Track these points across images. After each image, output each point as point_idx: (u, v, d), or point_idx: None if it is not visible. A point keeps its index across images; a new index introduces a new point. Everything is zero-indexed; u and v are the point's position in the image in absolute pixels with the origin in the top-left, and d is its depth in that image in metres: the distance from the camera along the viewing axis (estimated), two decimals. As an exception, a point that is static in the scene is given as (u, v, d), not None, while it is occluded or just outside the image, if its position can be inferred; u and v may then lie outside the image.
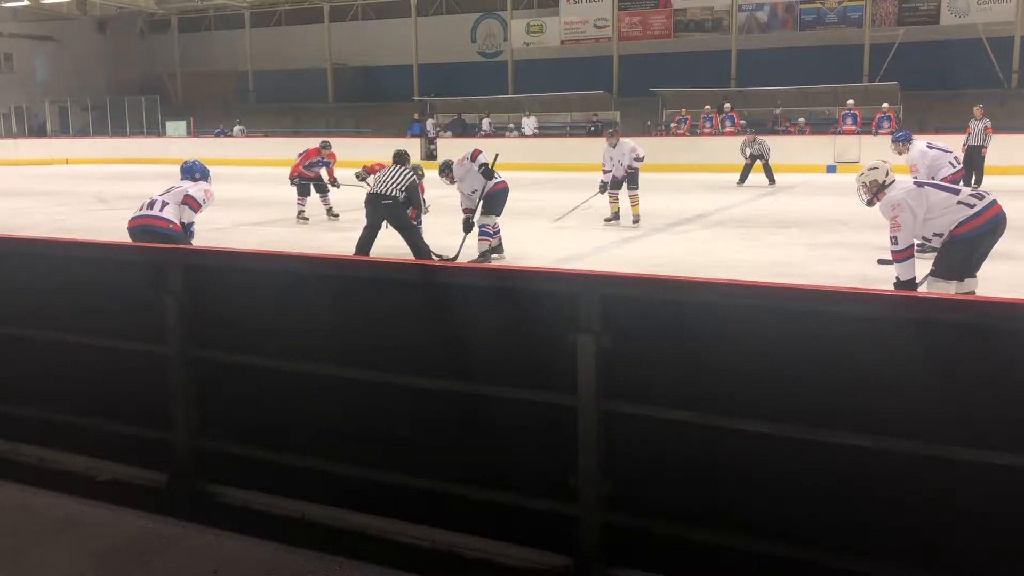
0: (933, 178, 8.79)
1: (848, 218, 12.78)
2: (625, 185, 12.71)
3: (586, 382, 2.81)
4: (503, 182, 9.77)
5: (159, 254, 3.84)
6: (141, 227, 6.94)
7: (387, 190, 9.09)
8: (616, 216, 12.75)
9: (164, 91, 38.64)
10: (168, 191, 7.15)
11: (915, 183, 6.02)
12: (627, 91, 30.24)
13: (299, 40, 36.98)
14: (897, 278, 5.79)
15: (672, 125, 26.17)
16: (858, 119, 22.96)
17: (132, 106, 36.09)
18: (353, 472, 3.21)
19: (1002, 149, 18.12)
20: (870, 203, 6.14)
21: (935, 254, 5.93)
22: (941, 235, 5.76)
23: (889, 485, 2.53)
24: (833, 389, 2.56)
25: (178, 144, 29.99)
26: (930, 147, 9.79)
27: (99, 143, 32.00)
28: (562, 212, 12.71)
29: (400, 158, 9.69)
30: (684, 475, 2.80)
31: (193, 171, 7.40)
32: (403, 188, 9.13)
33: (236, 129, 31.62)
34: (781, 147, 19.76)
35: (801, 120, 24.43)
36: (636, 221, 12.53)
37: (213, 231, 11.53)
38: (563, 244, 10.93)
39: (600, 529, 2.86)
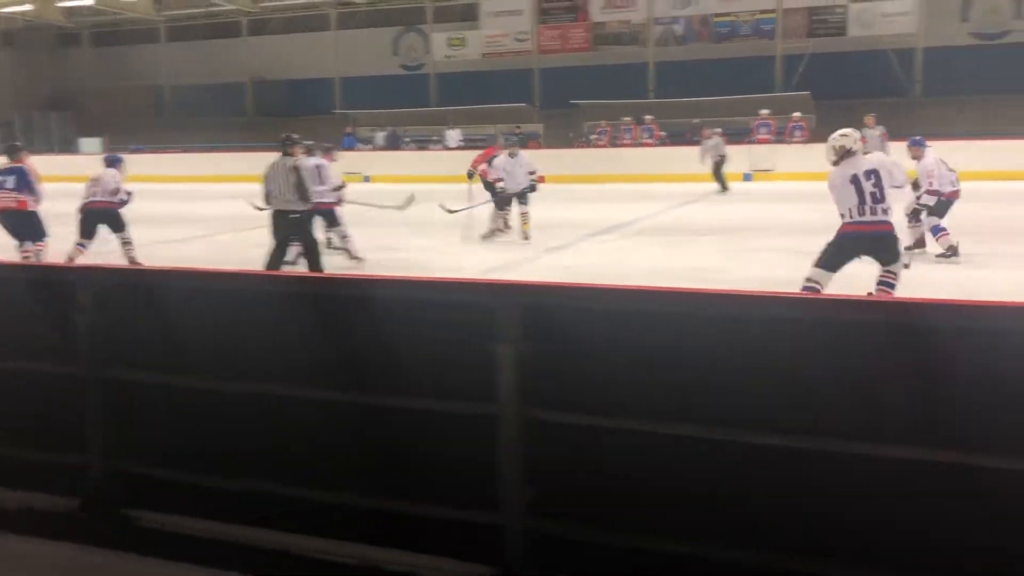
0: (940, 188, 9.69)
1: (765, 224, 13.13)
2: (516, 201, 12.19)
3: (507, 391, 2.83)
4: (322, 202, 9.70)
5: (68, 273, 3.73)
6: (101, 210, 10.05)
7: (283, 204, 8.30)
8: (495, 233, 12.26)
9: (77, 107, 37.49)
10: (99, 178, 10.18)
11: (851, 178, 6.52)
12: (549, 104, 30.49)
13: (217, 54, 36.32)
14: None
15: (593, 137, 26.49)
16: (772, 128, 23.56)
17: (43, 123, 34.88)
18: (272, 490, 3.17)
19: (907, 156, 18.76)
20: (835, 164, 6.73)
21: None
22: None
23: (802, 482, 2.60)
24: (748, 390, 2.62)
25: (93, 161, 29.11)
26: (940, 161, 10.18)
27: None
28: (460, 216, 12.34)
29: (285, 146, 8.57)
30: (606, 480, 2.83)
31: (115, 160, 10.65)
32: (298, 190, 8.26)
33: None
34: (698, 157, 20.22)
35: (718, 130, 24.92)
36: (527, 238, 11.98)
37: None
38: (486, 256, 10.97)
39: (524, 537, 2.88)
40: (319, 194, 9.47)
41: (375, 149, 27.88)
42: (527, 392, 2.82)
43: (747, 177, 21.98)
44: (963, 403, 2.42)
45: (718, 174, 19.47)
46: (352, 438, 3.12)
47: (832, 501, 2.58)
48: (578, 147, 26.71)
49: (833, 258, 6.55)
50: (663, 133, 25.03)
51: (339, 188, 10.53)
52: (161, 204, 18.18)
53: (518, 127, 28.07)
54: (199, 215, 16.78)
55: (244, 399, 3.19)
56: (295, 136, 8.69)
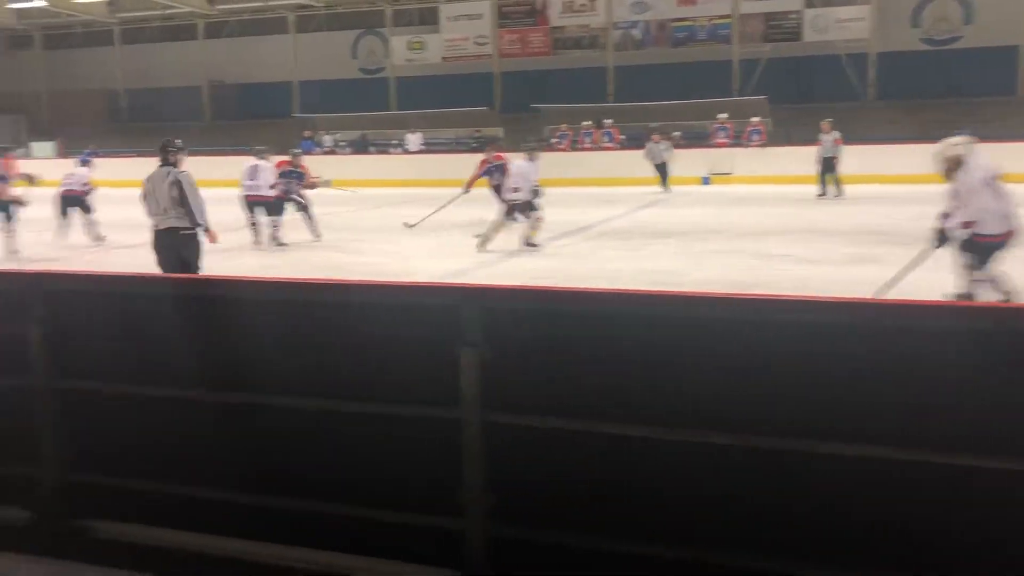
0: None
1: (722, 228, 13.27)
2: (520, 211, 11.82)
3: (470, 394, 2.82)
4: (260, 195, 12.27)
5: (21, 281, 3.64)
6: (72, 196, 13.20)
7: (170, 221, 7.26)
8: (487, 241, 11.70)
9: (29, 110, 36.75)
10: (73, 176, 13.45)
11: (984, 180, 6.51)
12: (509, 107, 30.54)
13: (173, 57, 35.88)
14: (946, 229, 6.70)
15: (554, 140, 26.57)
16: (730, 132, 23.81)
17: (-7, 125, 34.15)
18: (229, 497, 3.12)
19: (861, 159, 19.04)
20: (947, 176, 6.63)
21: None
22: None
23: (769, 483, 2.61)
24: (709, 392, 2.63)
25: (45, 165, 28.52)
26: None
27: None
28: (480, 228, 12.11)
29: (165, 153, 7.49)
30: (568, 483, 2.83)
31: (86, 159, 14.33)
32: (182, 207, 7.18)
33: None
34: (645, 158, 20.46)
35: (676, 134, 25.13)
36: (532, 244, 11.65)
37: (86, 252, 11.08)
38: (448, 260, 10.95)
39: (487, 541, 2.87)
40: (253, 188, 12.25)
41: (325, 152, 27.61)
42: (490, 395, 2.81)
43: (705, 180, 22.17)
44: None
45: (664, 174, 20.09)
46: (315, 443, 3.09)
47: (806, 501, 2.60)
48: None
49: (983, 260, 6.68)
50: (623, 137, 25.18)
51: (273, 185, 12.53)
52: (119, 209, 17.88)
53: (478, 131, 28.10)
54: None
55: (201, 407, 3.14)
56: (177, 141, 7.61)
